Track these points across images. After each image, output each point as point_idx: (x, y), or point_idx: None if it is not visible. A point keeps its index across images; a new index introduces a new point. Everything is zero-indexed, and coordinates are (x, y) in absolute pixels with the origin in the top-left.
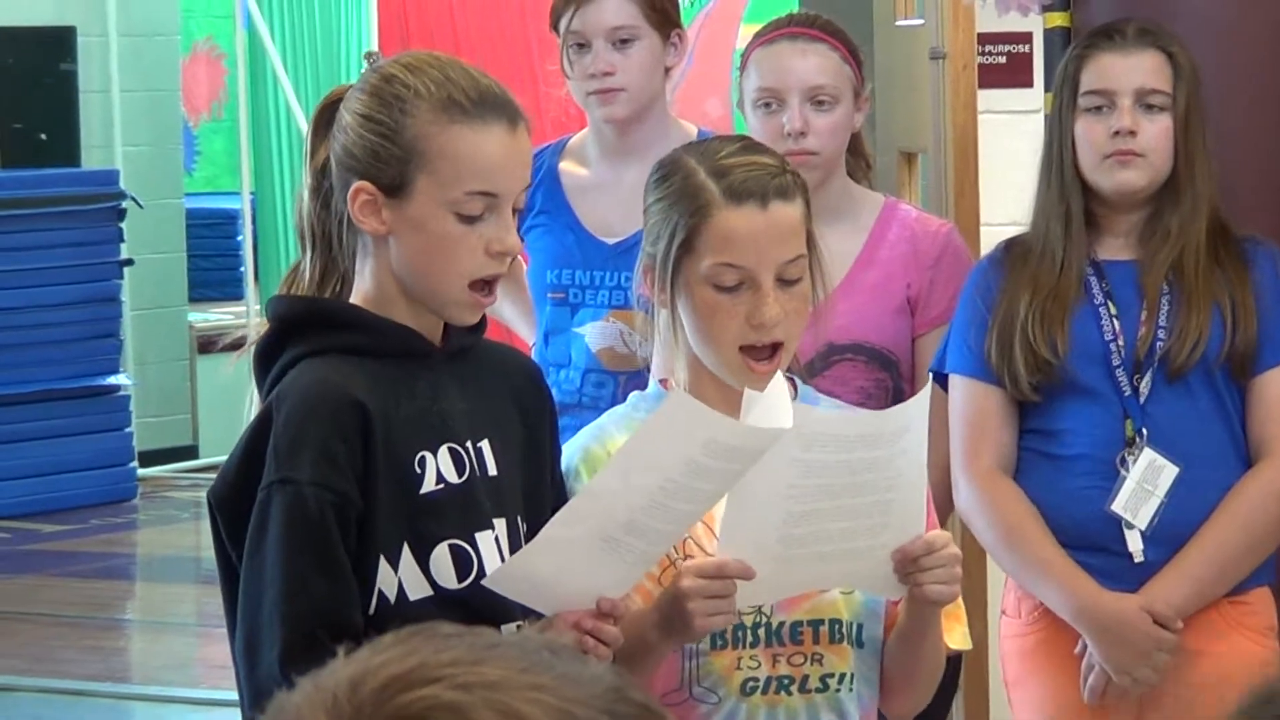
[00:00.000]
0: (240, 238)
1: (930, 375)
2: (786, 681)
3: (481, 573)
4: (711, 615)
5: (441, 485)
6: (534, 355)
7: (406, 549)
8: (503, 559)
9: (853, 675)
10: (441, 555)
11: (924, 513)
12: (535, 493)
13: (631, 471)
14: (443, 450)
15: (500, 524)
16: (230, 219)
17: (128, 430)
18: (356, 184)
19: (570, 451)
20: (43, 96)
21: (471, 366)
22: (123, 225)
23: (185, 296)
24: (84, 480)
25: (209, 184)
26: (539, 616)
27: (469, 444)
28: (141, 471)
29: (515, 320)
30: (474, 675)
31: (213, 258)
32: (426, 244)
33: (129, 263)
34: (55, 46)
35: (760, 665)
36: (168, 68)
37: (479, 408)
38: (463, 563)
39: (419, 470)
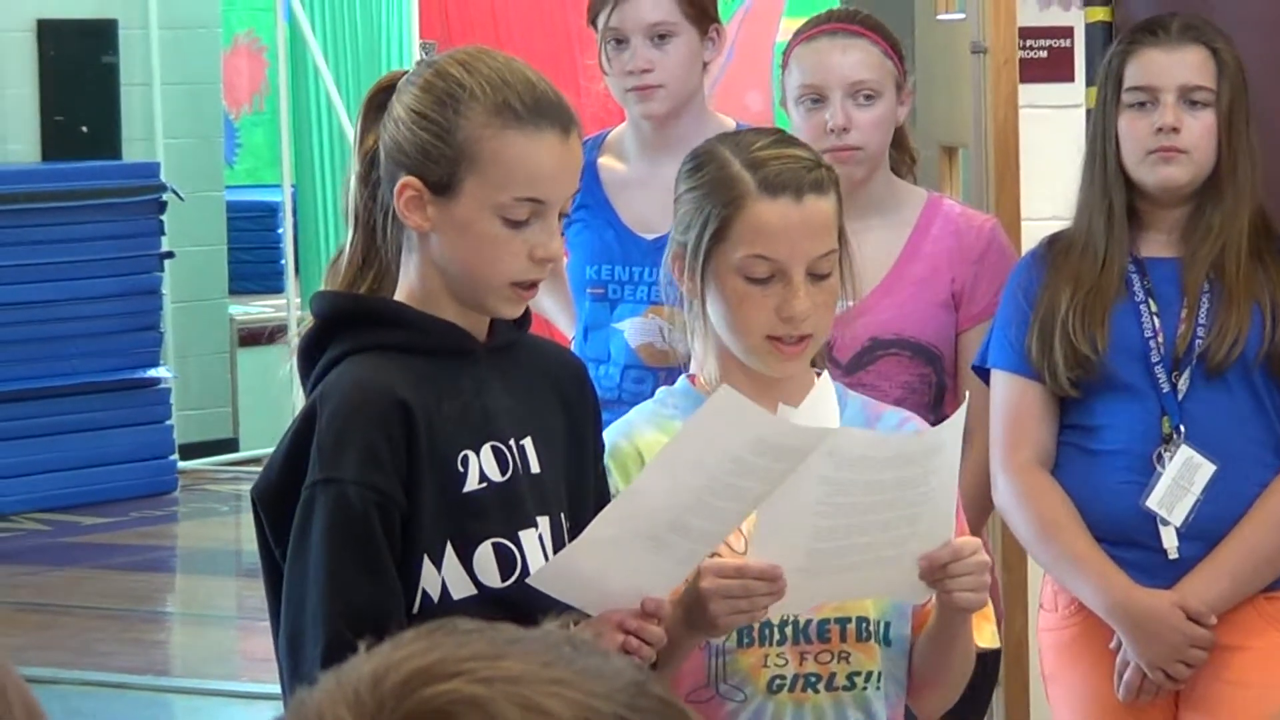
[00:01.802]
0: (281, 230)
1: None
2: (813, 679)
3: (525, 571)
4: (733, 614)
5: (484, 484)
6: (574, 350)
7: (450, 548)
8: (546, 557)
9: (880, 673)
10: (485, 554)
11: (952, 522)
12: (579, 490)
13: (677, 469)
14: (485, 448)
15: (544, 522)
16: (271, 211)
17: (168, 423)
18: (404, 179)
19: None
20: (84, 89)
21: (515, 363)
22: (163, 218)
23: (226, 289)
24: (124, 473)
25: (250, 176)
26: (583, 615)
27: (512, 441)
28: (182, 464)
29: (556, 314)
30: (495, 669)
31: (254, 250)
32: (470, 245)
33: (170, 255)
34: (97, 39)
35: (787, 663)
36: (209, 60)
37: (522, 404)
38: (507, 561)
39: (462, 469)
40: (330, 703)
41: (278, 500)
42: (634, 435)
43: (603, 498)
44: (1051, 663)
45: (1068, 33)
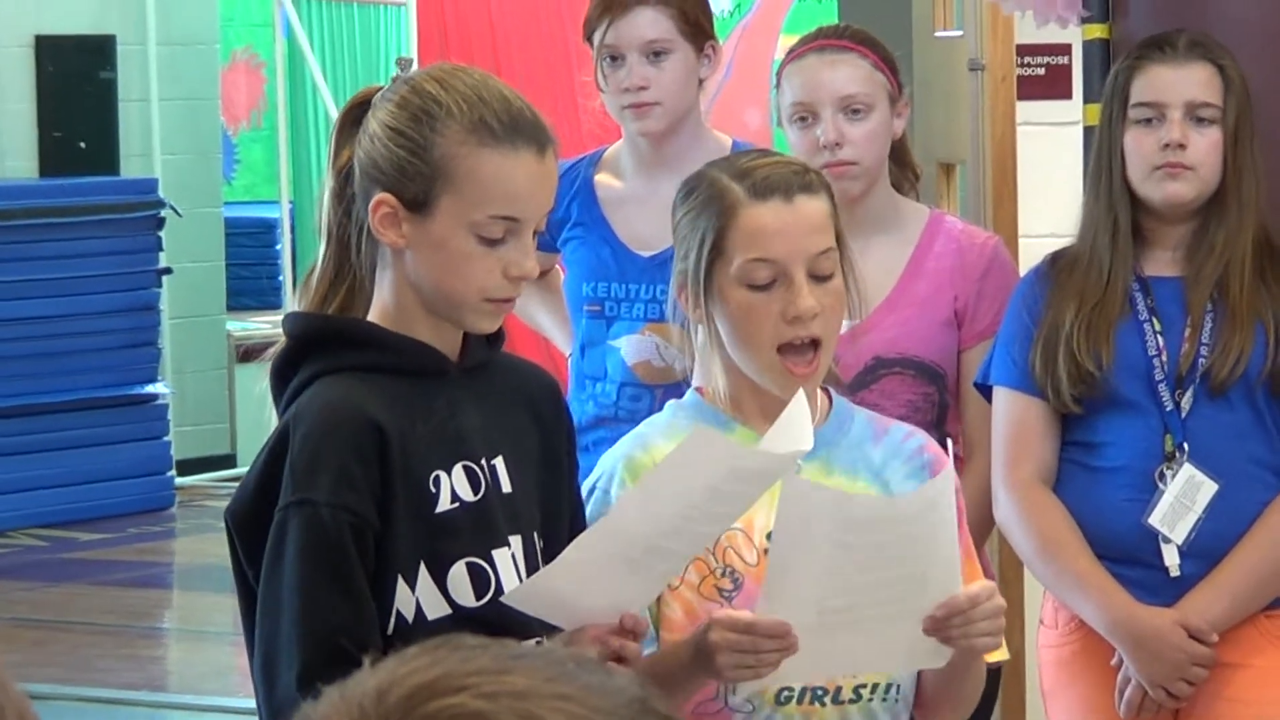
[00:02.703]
0: (279, 246)
1: (966, 413)
2: (821, 692)
3: (500, 590)
4: (740, 669)
5: (456, 503)
6: (570, 367)
7: (423, 568)
8: (520, 576)
9: (888, 686)
10: (459, 574)
11: (959, 576)
12: (552, 509)
13: (656, 500)
14: (457, 468)
15: (516, 541)
16: (269, 228)
17: (166, 439)
18: (379, 196)
19: (612, 460)
20: (82, 105)
21: (489, 382)
22: (161, 234)
23: (224, 305)
24: (122, 489)
25: (248, 193)
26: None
27: (483, 461)
28: (179, 480)
29: (552, 331)
30: (499, 684)
31: (251, 266)
32: (444, 262)
33: (167, 271)
34: (95, 55)
35: None
36: (207, 76)
37: (494, 424)
38: (481, 581)
39: (434, 489)
40: (335, 716)
41: (251, 521)
42: (650, 446)
43: (578, 515)
44: (1051, 679)
45: (1065, 50)
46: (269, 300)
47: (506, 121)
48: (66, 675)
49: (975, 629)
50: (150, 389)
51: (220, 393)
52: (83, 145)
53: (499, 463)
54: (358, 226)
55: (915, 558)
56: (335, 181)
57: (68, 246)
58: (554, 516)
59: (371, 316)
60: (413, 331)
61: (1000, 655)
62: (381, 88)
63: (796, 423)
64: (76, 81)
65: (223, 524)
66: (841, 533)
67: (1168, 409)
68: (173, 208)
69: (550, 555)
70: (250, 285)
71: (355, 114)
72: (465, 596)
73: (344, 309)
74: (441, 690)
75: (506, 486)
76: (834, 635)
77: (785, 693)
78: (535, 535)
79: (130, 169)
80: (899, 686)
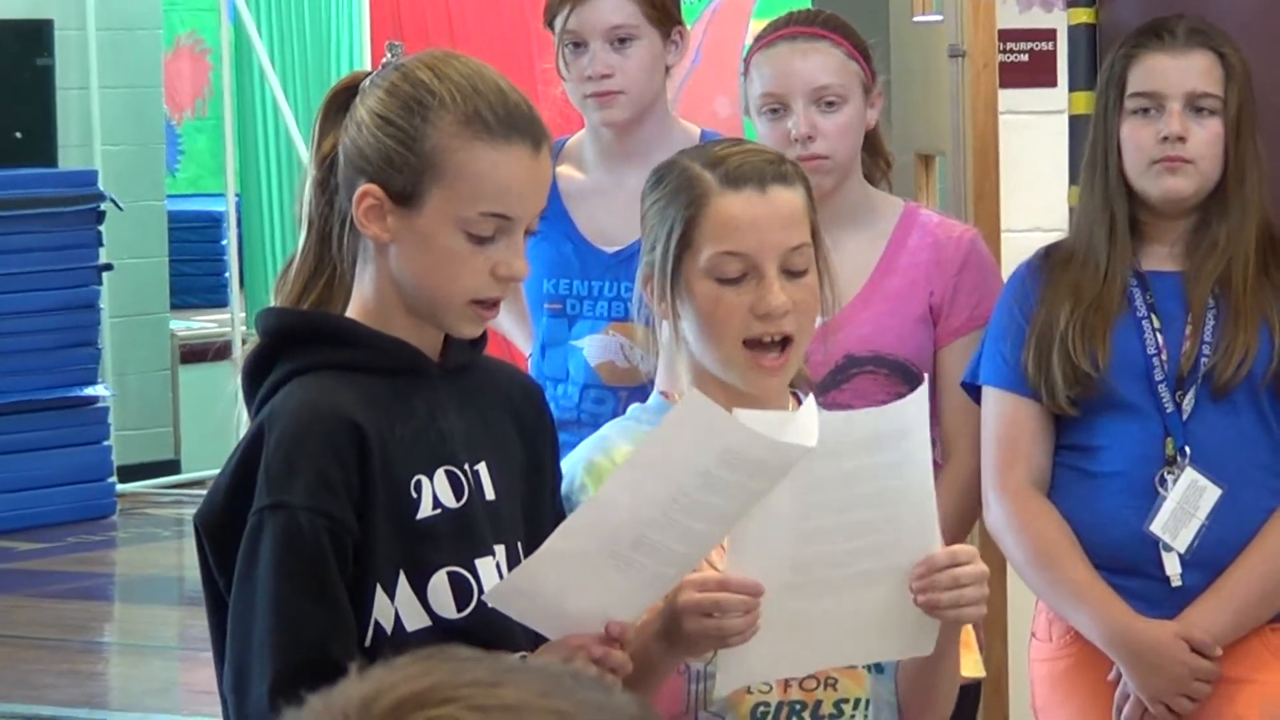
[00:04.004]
0: (225, 242)
1: (926, 380)
2: (799, 707)
3: (483, 601)
4: (712, 634)
5: (439, 510)
6: (530, 368)
7: (403, 577)
8: None
9: (868, 701)
10: (440, 583)
11: (936, 527)
12: (535, 517)
13: (641, 480)
14: (439, 473)
15: (500, 550)
16: (214, 222)
17: (106, 443)
18: (364, 187)
19: (572, 465)
20: (18, 93)
21: (470, 384)
22: (102, 228)
23: (167, 303)
24: (60, 496)
25: (192, 185)
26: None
27: (467, 466)
28: (121, 487)
29: (512, 330)
30: (491, 697)
31: (196, 262)
32: (431, 258)
33: (108, 268)
34: (31, 40)
35: (772, 690)
36: (149, 63)
37: (477, 428)
38: (462, 591)
39: (415, 495)
40: None
41: (223, 527)
42: (611, 450)
43: (560, 523)
44: (1044, 695)
45: (1050, 35)
46: (214, 298)
47: (502, 114)
48: (3, 691)
49: (963, 594)
50: (90, 391)
51: (163, 395)
52: (19, 135)
53: (482, 469)
54: (340, 218)
55: (886, 497)
56: (318, 170)
57: (3, 242)
58: (537, 526)
59: (350, 312)
60: (392, 329)
61: (975, 672)
62: (370, 72)
63: (799, 418)
64: (12, 68)
65: (166, 532)
66: (806, 459)
67: (1168, 411)
68: (113, 201)
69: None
70: (195, 282)
71: (342, 99)
72: (446, 607)
73: (322, 303)
74: (429, 701)
75: (490, 494)
76: (811, 604)
77: (761, 708)
78: (519, 545)
79: (69, 160)
80: (883, 707)
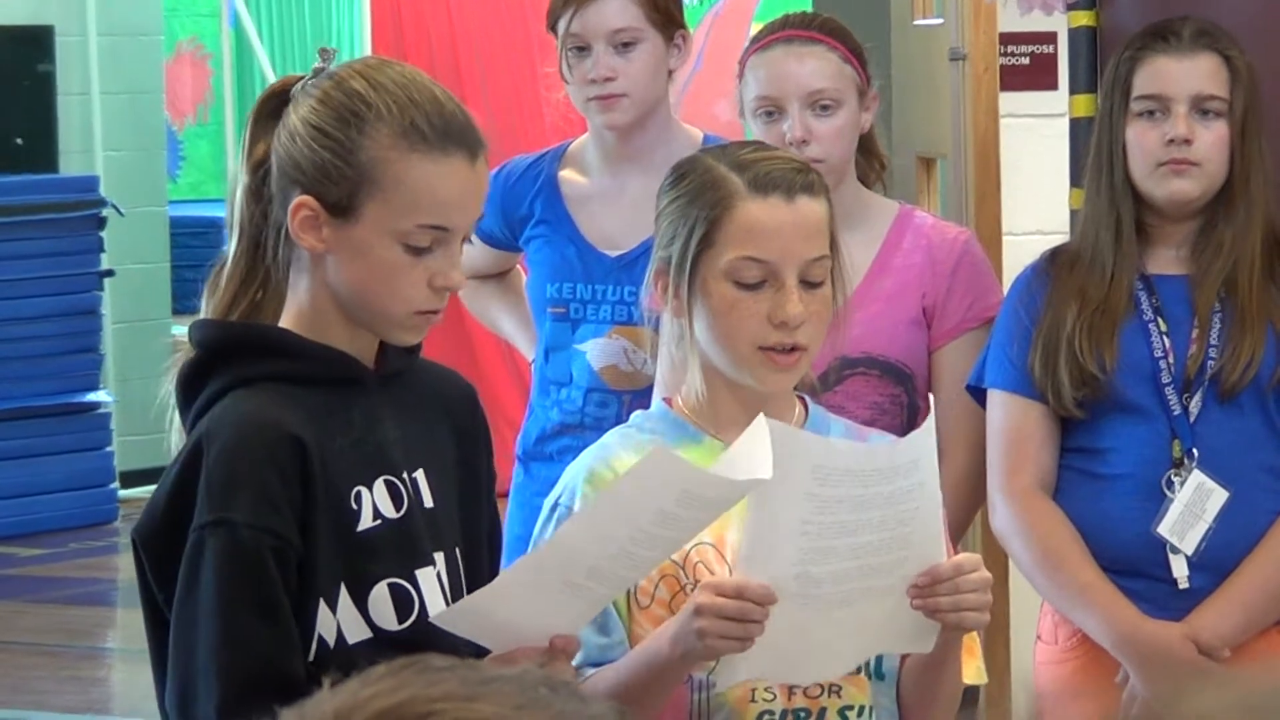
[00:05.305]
0: (226, 247)
1: (931, 398)
2: (803, 714)
3: (424, 612)
4: (724, 637)
5: (379, 521)
6: (533, 372)
7: (344, 590)
8: (444, 595)
9: (871, 708)
10: (380, 595)
11: (943, 545)
12: (471, 522)
13: (605, 523)
14: (379, 483)
15: (440, 558)
16: (216, 227)
17: (108, 449)
18: (299, 198)
19: (574, 472)
20: (19, 99)
21: (406, 390)
22: (103, 234)
23: (169, 309)
24: (62, 502)
25: (194, 191)
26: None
27: (405, 475)
28: (123, 493)
29: (514, 335)
30: (467, 711)
31: (198, 268)
32: (368, 270)
33: (110, 274)
34: (32, 46)
35: (775, 698)
36: (150, 69)
37: (413, 435)
38: (403, 603)
39: (356, 506)
40: None
41: (161, 541)
42: (611, 459)
43: (496, 529)
44: (1051, 697)
45: (1051, 38)
46: None
47: (438, 125)
48: (5, 698)
49: (964, 600)
50: (91, 397)
51: (165, 401)
52: (19, 141)
53: (420, 476)
54: (275, 227)
55: (897, 520)
56: (250, 178)
57: (4, 248)
58: (474, 529)
59: (285, 321)
60: (328, 338)
61: (977, 679)
62: (301, 77)
63: (755, 449)
64: (13, 74)
65: None
66: (819, 484)
67: (1175, 413)
68: (115, 207)
69: (470, 571)
70: (197, 288)
71: (272, 105)
72: (387, 619)
73: (254, 310)
74: (405, 716)
75: (429, 501)
76: (816, 615)
77: (765, 716)
78: (458, 551)
79: (70, 166)
80: (885, 714)
